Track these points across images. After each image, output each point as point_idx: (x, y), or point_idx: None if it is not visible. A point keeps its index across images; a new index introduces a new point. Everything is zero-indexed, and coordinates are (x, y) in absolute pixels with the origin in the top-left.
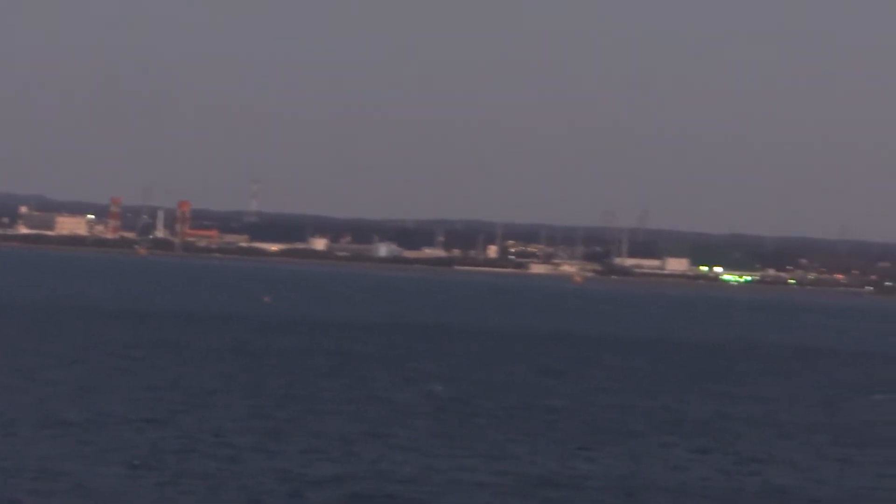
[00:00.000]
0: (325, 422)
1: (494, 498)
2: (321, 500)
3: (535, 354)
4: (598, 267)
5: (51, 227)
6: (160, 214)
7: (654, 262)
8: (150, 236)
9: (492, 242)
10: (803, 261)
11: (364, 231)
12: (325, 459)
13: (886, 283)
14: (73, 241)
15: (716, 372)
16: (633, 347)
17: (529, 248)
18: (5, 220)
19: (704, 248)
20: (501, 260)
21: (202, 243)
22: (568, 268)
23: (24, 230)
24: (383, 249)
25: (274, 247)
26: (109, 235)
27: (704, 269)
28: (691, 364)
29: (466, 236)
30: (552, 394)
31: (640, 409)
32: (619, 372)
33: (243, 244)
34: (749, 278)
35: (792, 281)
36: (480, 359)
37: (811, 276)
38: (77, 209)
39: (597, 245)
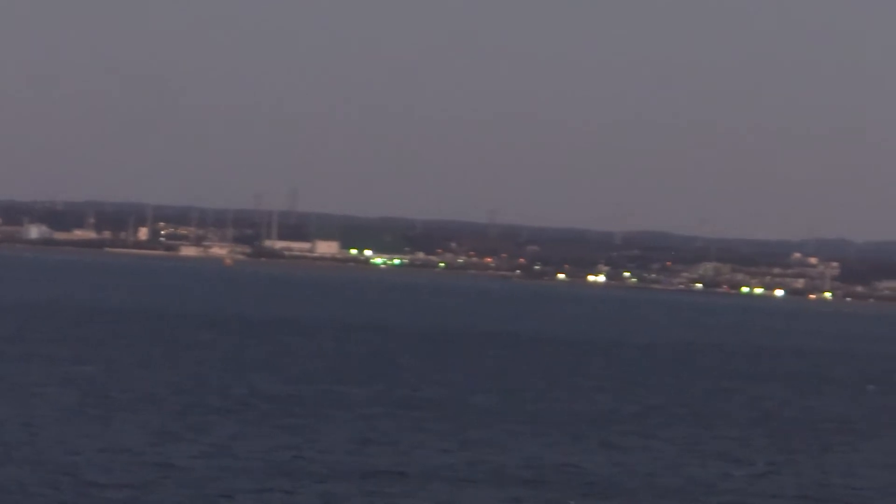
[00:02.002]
0: None
1: None
2: None
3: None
4: (248, 249)
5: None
6: None
7: (305, 245)
8: None
9: (143, 224)
10: (453, 244)
11: (13, 213)
12: None
13: (535, 267)
14: None
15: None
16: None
17: (180, 231)
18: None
19: (354, 231)
20: (152, 242)
21: None
22: (218, 250)
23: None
24: (34, 231)
25: None
26: None
27: (354, 252)
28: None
29: (117, 218)
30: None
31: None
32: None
33: None
34: (399, 261)
35: (442, 264)
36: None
37: (461, 259)
38: None
39: (247, 227)
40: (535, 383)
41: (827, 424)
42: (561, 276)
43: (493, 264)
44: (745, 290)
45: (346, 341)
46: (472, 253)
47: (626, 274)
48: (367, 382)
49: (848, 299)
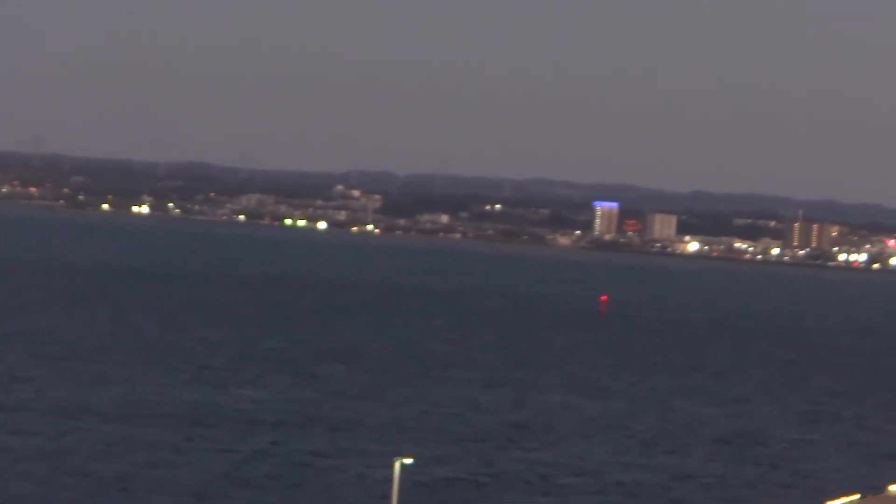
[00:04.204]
0: None
1: None
2: None
3: None
4: None
5: None
6: None
7: None
8: None
9: None
10: None
11: None
12: None
13: (80, 197)
14: None
15: None
16: None
17: None
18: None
19: None
20: None
21: None
22: None
23: None
24: None
25: None
26: None
27: None
28: None
29: None
30: None
31: None
32: None
33: None
34: None
35: None
36: None
37: (4, 189)
38: None
39: None
40: None
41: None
42: (105, 206)
43: (38, 194)
44: (288, 221)
45: None
46: (16, 182)
47: (170, 205)
48: None
49: (405, 233)
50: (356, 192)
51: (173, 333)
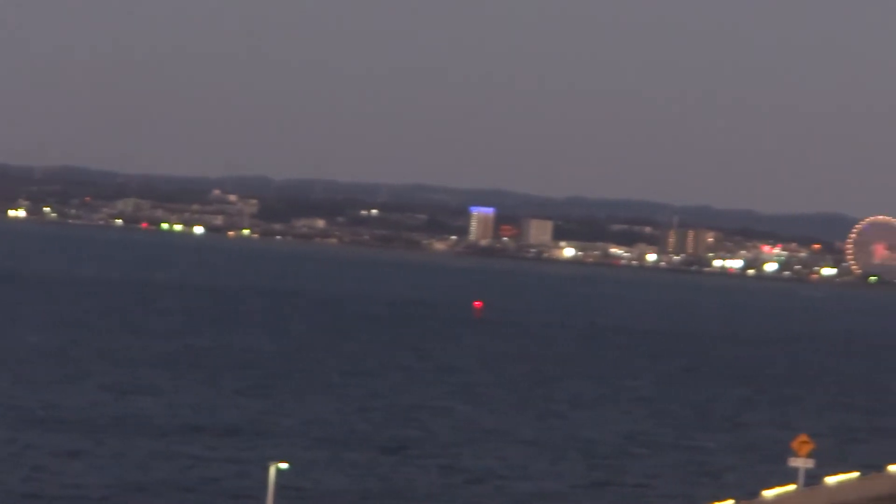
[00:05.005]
0: None
1: None
2: None
3: None
4: None
5: None
6: None
7: None
8: None
9: None
10: None
11: None
12: None
13: None
14: None
15: None
16: None
17: None
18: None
19: None
20: None
21: None
22: None
23: None
24: None
25: None
26: None
27: None
28: None
29: None
30: None
31: None
32: None
33: None
34: None
35: None
36: None
37: None
38: None
39: None
40: None
41: None
42: None
43: None
44: (165, 226)
45: None
46: None
47: (47, 209)
48: None
49: (283, 238)
50: (233, 197)
51: (53, 338)
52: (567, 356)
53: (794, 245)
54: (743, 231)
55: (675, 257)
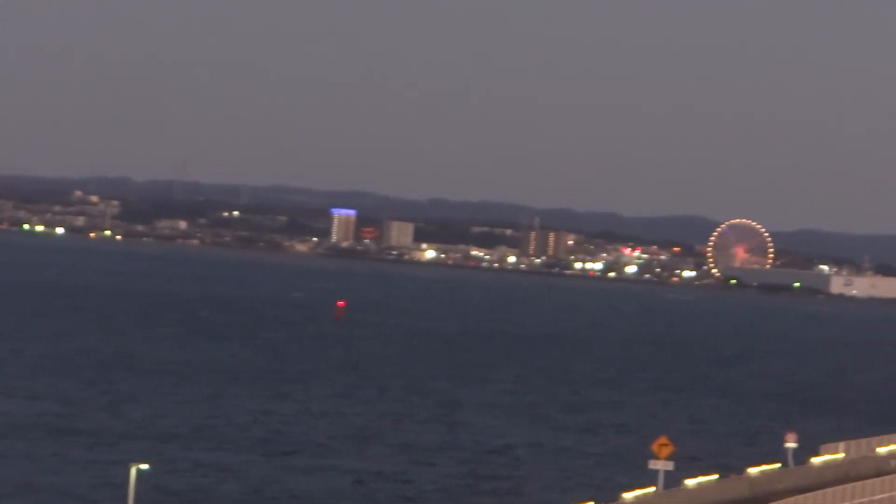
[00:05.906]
0: None
1: None
2: None
3: None
4: None
5: None
6: None
7: None
8: None
9: None
10: None
11: None
12: None
13: None
14: None
15: None
16: None
17: None
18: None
19: None
20: None
21: None
22: None
23: None
24: None
25: None
26: None
27: None
28: None
29: None
30: None
31: None
32: None
33: None
34: None
35: None
36: None
37: None
38: None
39: None
40: None
41: None
42: None
43: None
44: (26, 227)
45: None
46: None
47: None
48: None
49: (145, 239)
50: (94, 198)
51: None
52: (427, 356)
53: (654, 248)
54: (604, 234)
55: (536, 259)
